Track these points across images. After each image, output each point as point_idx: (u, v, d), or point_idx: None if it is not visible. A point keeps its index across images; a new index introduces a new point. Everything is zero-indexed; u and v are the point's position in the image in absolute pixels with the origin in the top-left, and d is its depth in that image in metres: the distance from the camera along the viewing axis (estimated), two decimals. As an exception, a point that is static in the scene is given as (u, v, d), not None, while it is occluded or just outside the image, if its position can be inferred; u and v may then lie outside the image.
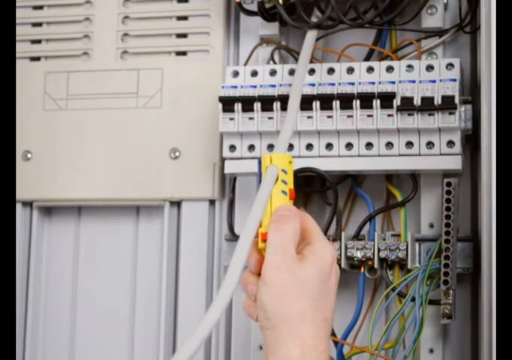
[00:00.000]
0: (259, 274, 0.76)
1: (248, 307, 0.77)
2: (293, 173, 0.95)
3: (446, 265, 0.91)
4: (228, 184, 1.05)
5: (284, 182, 0.79)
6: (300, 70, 0.95)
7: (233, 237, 1.02)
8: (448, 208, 0.92)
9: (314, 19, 0.99)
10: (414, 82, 0.94)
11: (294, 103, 0.92)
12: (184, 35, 1.09)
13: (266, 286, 0.74)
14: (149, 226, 1.09)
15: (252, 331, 1.00)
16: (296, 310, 0.73)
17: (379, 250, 0.95)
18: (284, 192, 0.79)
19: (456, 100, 0.92)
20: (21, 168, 1.09)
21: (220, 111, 0.98)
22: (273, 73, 1.00)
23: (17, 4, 1.11)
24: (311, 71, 0.98)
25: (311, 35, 0.98)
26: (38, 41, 1.13)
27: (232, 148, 0.99)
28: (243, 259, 0.73)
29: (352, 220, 1.02)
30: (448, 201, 0.92)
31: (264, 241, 0.76)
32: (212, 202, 1.06)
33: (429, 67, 0.96)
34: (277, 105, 0.96)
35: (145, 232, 1.09)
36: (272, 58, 1.02)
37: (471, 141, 0.98)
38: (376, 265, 0.95)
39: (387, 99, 0.94)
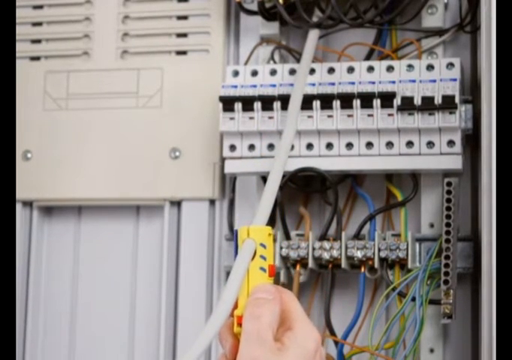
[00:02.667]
0: None
1: None
2: (294, 173, 0.95)
3: (446, 265, 0.91)
4: (228, 184, 1.05)
5: (263, 258, 0.72)
6: (302, 72, 0.95)
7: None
8: (448, 208, 0.92)
9: (314, 19, 0.99)
10: (414, 81, 0.94)
11: (291, 126, 0.91)
12: (184, 35, 1.09)
13: None
14: (149, 226, 1.09)
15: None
16: None
17: (379, 250, 0.95)
18: (262, 269, 0.71)
19: (457, 100, 0.92)
20: (21, 168, 1.09)
21: (220, 110, 0.98)
22: (273, 72, 1.00)
23: (17, 4, 1.11)
24: (312, 71, 0.98)
25: (314, 35, 0.98)
26: (38, 41, 1.12)
27: (232, 147, 0.99)
28: (208, 343, 0.66)
29: (352, 220, 1.02)
30: (448, 201, 0.92)
31: (240, 325, 0.69)
32: (212, 201, 1.06)
33: (430, 67, 0.96)
34: (277, 104, 0.96)
35: (145, 232, 1.09)
36: (272, 57, 1.02)
37: (472, 141, 0.98)
38: (376, 265, 0.95)
39: (387, 98, 0.94)
